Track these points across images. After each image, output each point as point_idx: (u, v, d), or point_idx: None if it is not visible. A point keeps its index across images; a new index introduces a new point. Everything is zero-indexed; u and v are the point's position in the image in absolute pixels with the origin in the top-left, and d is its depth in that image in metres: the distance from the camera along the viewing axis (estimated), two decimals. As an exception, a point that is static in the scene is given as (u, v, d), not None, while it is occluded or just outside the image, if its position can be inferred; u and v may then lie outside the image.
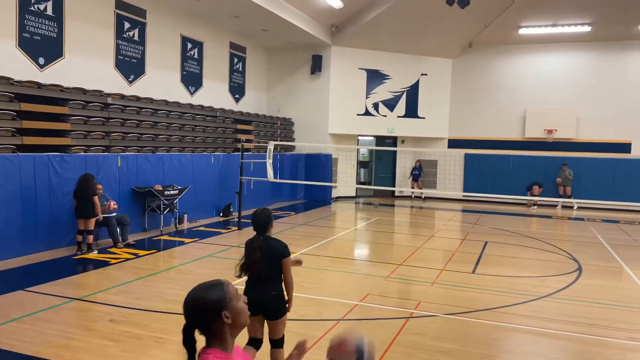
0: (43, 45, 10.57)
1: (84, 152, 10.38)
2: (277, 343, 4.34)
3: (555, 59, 19.69)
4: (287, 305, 4.35)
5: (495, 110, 20.46)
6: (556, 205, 19.24)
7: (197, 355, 1.88)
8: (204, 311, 1.88)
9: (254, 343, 4.28)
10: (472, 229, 13.84)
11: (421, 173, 20.30)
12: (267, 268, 4.21)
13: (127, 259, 8.97)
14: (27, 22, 10.18)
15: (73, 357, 4.91)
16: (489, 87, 20.56)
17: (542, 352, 5.48)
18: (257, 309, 4.08)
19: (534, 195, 18.62)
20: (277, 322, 4.29)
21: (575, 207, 18.94)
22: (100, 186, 9.69)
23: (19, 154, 8.96)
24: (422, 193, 20.48)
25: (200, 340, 1.95)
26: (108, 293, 7.01)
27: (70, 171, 9.62)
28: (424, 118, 20.68)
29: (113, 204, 9.93)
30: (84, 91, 10.84)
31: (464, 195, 20.09)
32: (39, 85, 9.89)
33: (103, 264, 8.61)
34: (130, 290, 7.15)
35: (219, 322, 1.89)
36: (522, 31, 18.56)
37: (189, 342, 1.88)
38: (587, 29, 17.84)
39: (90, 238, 9.36)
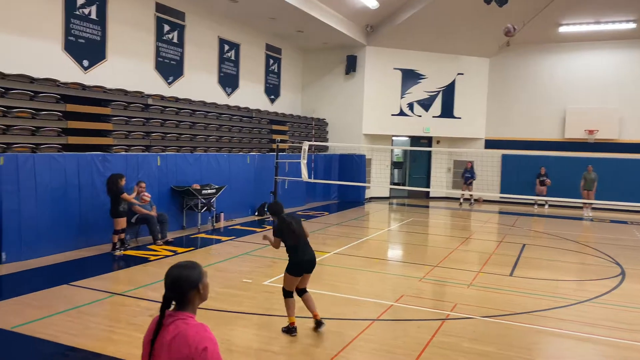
0: (87, 48, 10.94)
1: (125, 151, 10.69)
2: (305, 290, 5.78)
3: (597, 57, 19.11)
4: None
5: (533, 110, 20.01)
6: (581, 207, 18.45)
7: (165, 315, 2.34)
8: (189, 284, 2.35)
9: (302, 292, 5.72)
10: (509, 231, 13.58)
11: (473, 175, 19.57)
12: (303, 233, 5.70)
13: (166, 256, 9.19)
14: (72, 25, 10.56)
15: (115, 350, 5.07)
16: (528, 86, 20.13)
17: (583, 358, 5.34)
18: (312, 266, 5.70)
19: (540, 195, 18.11)
20: (311, 274, 5.80)
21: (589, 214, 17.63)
22: (143, 184, 9.89)
23: (64, 153, 9.30)
24: (471, 196, 20.03)
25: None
26: (148, 289, 7.21)
27: (112, 170, 9.90)
28: (460, 118, 20.41)
29: (145, 196, 9.96)
30: (125, 92, 11.17)
31: (501, 197, 19.74)
32: (83, 87, 10.25)
33: (143, 260, 8.85)
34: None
35: (194, 293, 2.37)
36: (562, 29, 18.09)
37: (165, 307, 2.35)
38: (631, 25, 17.24)
39: (116, 238, 9.31)
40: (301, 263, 5.60)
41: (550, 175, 18.70)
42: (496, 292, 7.59)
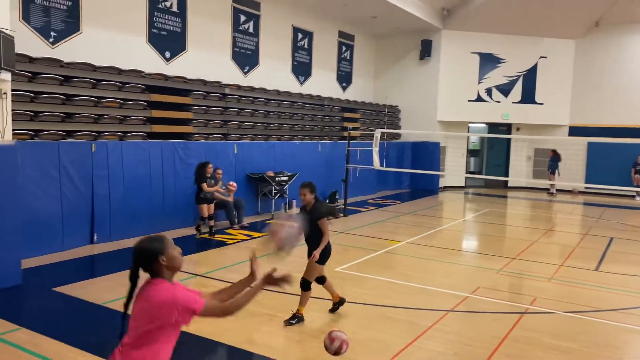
0: (169, 39, 11.43)
1: (204, 139, 11.10)
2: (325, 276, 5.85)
3: (700, 35, 17.39)
4: None
5: (624, 95, 18.58)
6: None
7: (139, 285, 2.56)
8: (147, 255, 2.53)
9: (324, 279, 5.78)
10: (595, 224, 12.79)
11: (556, 164, 18.51)
12: None
13: (242, 240, 9.50)
14: (155, 18, 11.07)
15: (196, 329, 5.30)
16: (618, 69, 18.70)
17: (679, 361, 4.96)
18: None
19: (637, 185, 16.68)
20: None
21: None
22: (220, 171, 10.22)
23: (149, 141, 9.81)
24: (553, 185, 19.01)
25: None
26: (227, 271, 7.49)
27: (193, 157, 10.34)
28: (542, 104, 19.38)
29: (231, 185, 10.40)
30: (204, 82, 11.58)
31: (586, 187, 18.60)
32: (166, 77, 10.73)
33: (221, 244, 9.20)
34: (246, 270, 7.47)
35: (157, 264, 2.53)
36: (661, 5, 16.64)
37: (133, 277, 2.55)
38: None
39: (200, 222, 9.80)
40: (330, 252, 5.64)
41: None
42: (580, 287, 7.19)
